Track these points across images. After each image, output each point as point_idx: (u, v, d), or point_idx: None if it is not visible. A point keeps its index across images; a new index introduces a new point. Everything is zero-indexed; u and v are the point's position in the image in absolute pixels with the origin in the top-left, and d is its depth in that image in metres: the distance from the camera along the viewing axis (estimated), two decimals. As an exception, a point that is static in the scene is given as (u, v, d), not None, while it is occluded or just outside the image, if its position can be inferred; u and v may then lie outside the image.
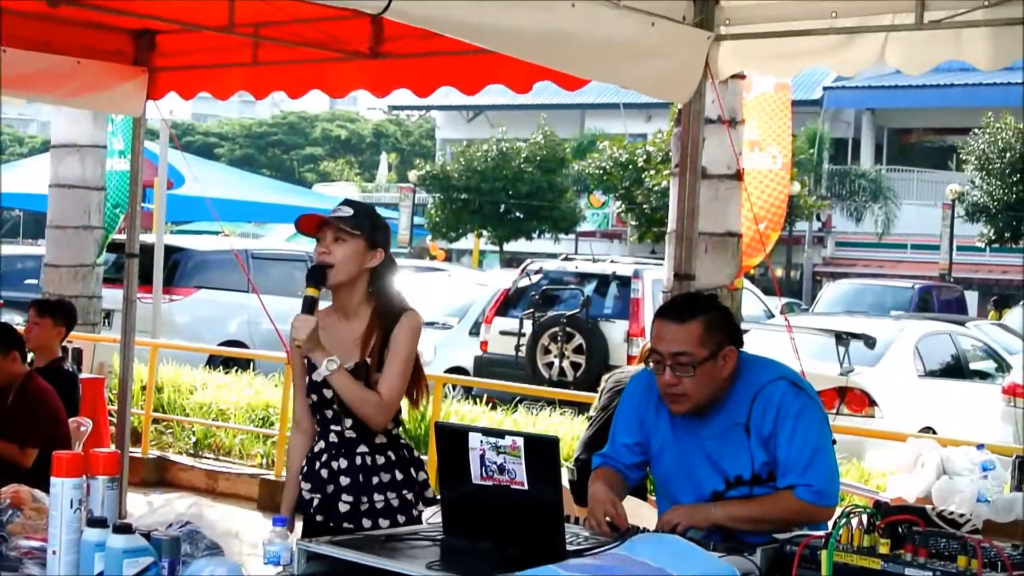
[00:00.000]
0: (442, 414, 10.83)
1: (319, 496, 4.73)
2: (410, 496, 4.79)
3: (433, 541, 3.82)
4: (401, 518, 4.73)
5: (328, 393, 4.71)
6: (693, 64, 6.11)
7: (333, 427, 4.75)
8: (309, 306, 4.64)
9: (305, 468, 4.83)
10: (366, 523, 4.68)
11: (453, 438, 3.82)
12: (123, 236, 10.83)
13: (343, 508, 4.71)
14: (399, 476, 4.78)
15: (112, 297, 12.68)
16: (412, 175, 46.01)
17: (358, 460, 4.74)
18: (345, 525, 4.66)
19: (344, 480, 4.72)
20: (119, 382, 9.05)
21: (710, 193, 9.29)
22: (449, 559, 3.62)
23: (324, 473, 4.74)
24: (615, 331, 16.72)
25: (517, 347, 17.06)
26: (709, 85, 6.29)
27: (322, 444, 4.80)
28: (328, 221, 4.70)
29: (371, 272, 4.77)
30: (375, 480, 4.73)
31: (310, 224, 4.77)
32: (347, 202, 4.84)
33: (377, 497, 4.72)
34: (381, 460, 4.76)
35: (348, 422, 4.73)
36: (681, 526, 4.17)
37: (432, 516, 4.19)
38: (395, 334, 4.73)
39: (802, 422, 4.27)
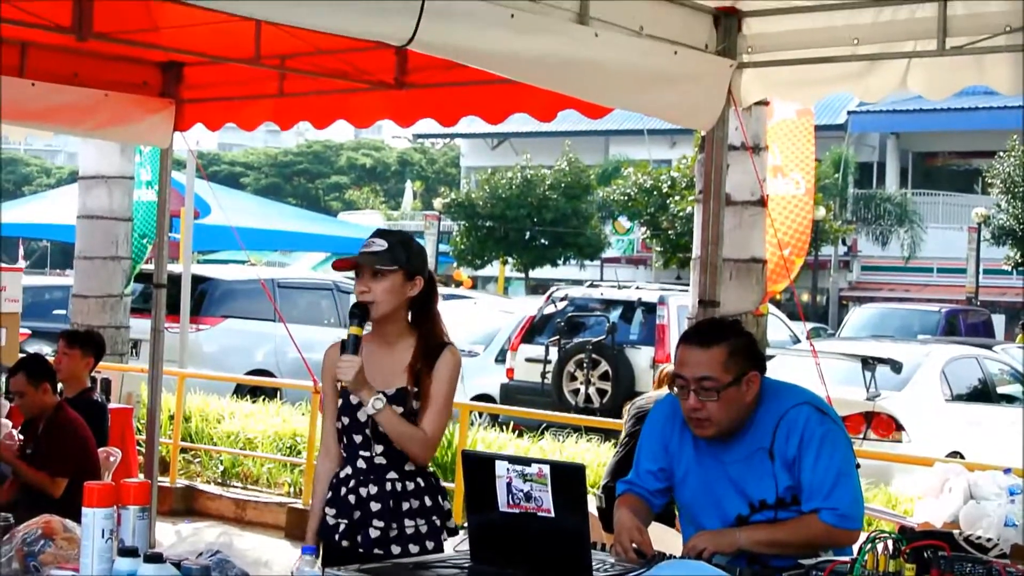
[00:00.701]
0: (468, 442, 10.85)
1: (346, 522, 4.76)
2: (438, 522, 4.82)
3: (461, 569, 3.84)
4: (430, 544, 4.76)
5: (362, 417, 4.74)
6: (716, 91, 6.15)
7: (363, 452, 4.78)
8: (354, 346, 4.66)
9: (330, 494, 4.86)
10: (395, 549, 4.70)
11: (480, 466, 3.85)
12: (151, 266, 10.90)
13: (373, 534, 4.73)
14: (428, 502, 4.82)
15: (140, 327, 12.76)
16: (437, 203, 46.11)
17: (388, 486, 4.76)
18: (375, 551, 4.68)
19: (375, 506, 4.74)
20: (147, 412, 9.10)
21: (734, 220, 9.32)
22: (476, 586, 3.65)
23: (352, 499, 4.77)
24: (641, 357, 16.72)
25: (543, 374, 17.07)
26: (732, 112, 6.32)
27: (349, 470, 4.82)
28: (364, 259, 4.73)
29: (411, 300, 4.81)
30: (405, 506, 4.76)
31: (346, 264, 4.82)
32: (380, 233, 4.83)
33: (408, 523, 4.75)
34: (411, 486, 4.80)
35: (379, 448, 4.76)
36: (707, 552, 4.19)
37: (459, 544, 4.21)
38: (438, 369, 4.78)
39: (826, 446, 4.29)
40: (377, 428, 4.73)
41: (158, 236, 9.12)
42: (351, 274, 4.86)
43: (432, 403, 4.76)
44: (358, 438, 4.79)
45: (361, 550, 4.71)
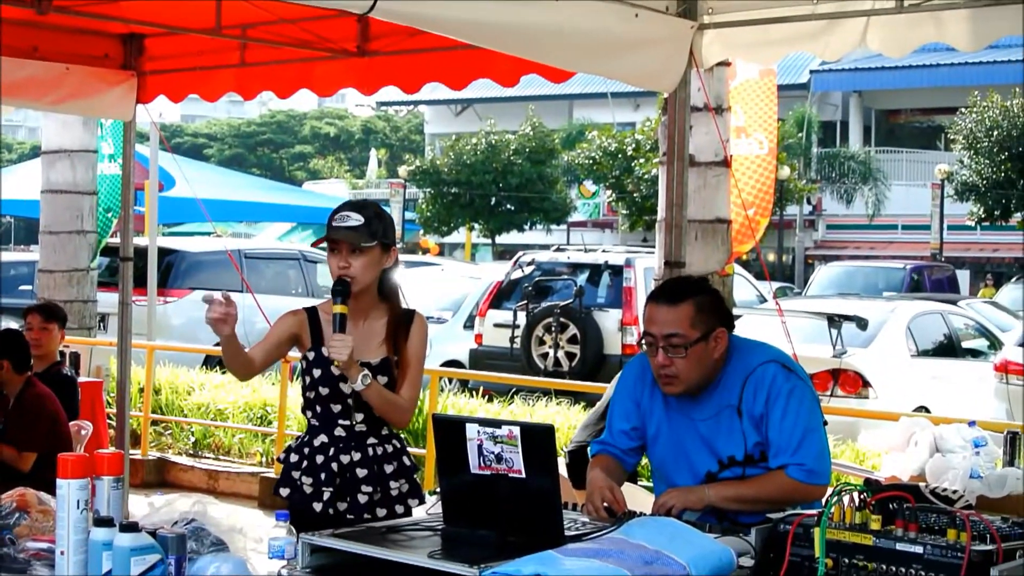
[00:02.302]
0: (439, 407, 10.89)
1: (331, 489, 4.80)
2: (418, 480, 4.95)
3: (434, 531, 3.88)
4: (413, 502, 4.89)
5: (345, 388, 4.77)
6: (677, 53, 6.17)
7: (342, 421, 4.83)
8: (342, 324, 4.68)
9: (304, 462, 4.88)
10: (380, 512, 4.80)
11: (451, 429, 3.88)
12: (116, 240, 10.88)
13: (362, 499, 4.81)
14: (406, 462, 4.94)
15: (107, 301, 12.73)
16: (402, 170, 46.02)
17: (370, 452, 4.85)
18: (365, 516, 4.76)
19: (361, 472, 4.82)
20: (117, 385, 9.10)
21: (698, 181, 9.36)
22: (450, 548, 3.68)
23: (334, 466, 4.82)
24: (609, 320, 16.78)
25: (512, 339, 17.11)
26: (694, 73, 6.35)
27: (324, 438, 4.85)
28: (344, 235, 4.73)
29: (383, 271, 4.84)
30: (388, 469, 4.87)
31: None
32: (352, 206, 4.83)
33: (392, 485, 4.86)
34: (390, 449, 4.90)
35: (359, 416, 4.82)
36: (676, 508, 4.25)
37: (432, 507, 4.26)
38: (412, 336, 4.88)
39: (793, 403, 4.35)
40: (359, 397, 4.77)
41: (123, 209, 9.09)
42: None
43: (409, 370, 4.86)
44: (336, 407, 4.83)
45: (350, 516, 4.77)
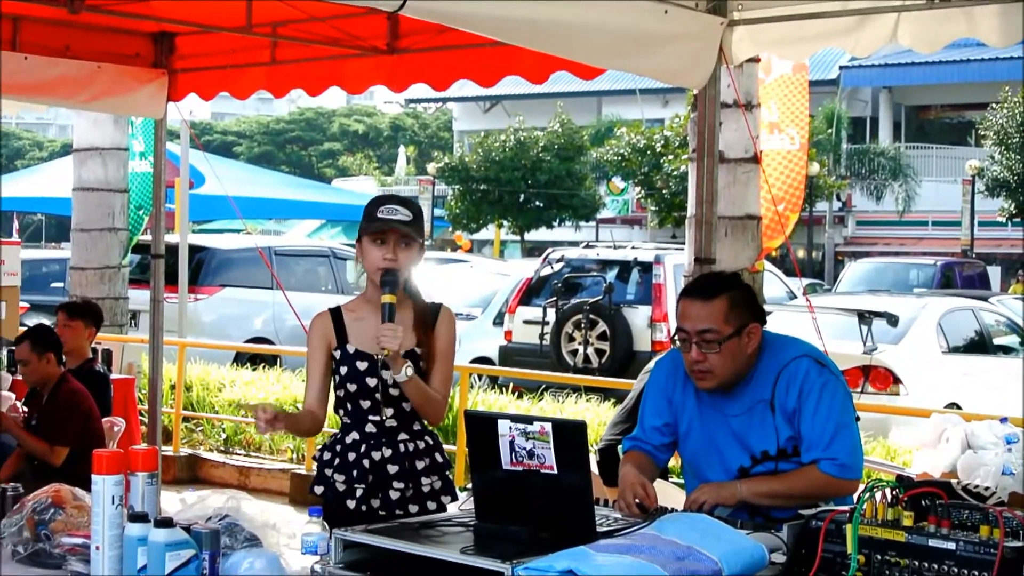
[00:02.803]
0: (469, 404, 10.91)
1: (363, 486, 4.80)
2: (451, 477, 4.94)
3: (466, 527, 3.89)
4: (446, 499, 4.88)
5: (372, 382, 4.79)
6: (707, 50, 6.17)
7: (371, 417, 4.83)
8: (391, 314, 4.70)
9: (336, 460, 4.90)
10: (413, 508, 4.79)
11: (483, 425, 3.89)
12: (148, 237, 10.92)
13: (394, 496, 4.80)
14: (439, 459, 4.93)
15: (138, 298, 12.81)
16: (431, 167, 46.06)
17: (401, 448, 4.83)
18: (397, 512, 4.76)
19: (392, 468, 4.81)
20: (149, 382, 9.15)
21: (728, 177, 9.36)
22: (482, 543, 3.69)
23: (366, 463, 4.82)
24: (638, 316, 16.76)
25: (541, 335, 17.12)
26: (724, 70, 6.34)
27: (356, 435, 4.86)
28: (393, 225, 4.77)
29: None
30: (420, 465, 4.85)
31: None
32: (397, 200, 4.86)
33: (424, 481, 4.84)
34: (422, 445, 4.88)
35: (388, 411, 4.82)
36: (708, 504, 4.25)
37: (464, 503, 4.27)
38: (441, 328, 4.88)
39: (825, 398, 4.35)
40: (388, 392, 4.78)
41: (154, 207, 9.15)
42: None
43: (439, 363, 4.85)
44: (366, 403, 4.83)
45: (382, 512, 4.77)
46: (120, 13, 7.34)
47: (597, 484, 6.19)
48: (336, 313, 4.93)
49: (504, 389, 13.92)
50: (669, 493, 4.96)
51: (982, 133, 39.01)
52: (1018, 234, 42.68)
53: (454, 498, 4.88)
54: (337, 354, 4.84)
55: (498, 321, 18.29)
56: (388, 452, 4.82)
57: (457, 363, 12.56)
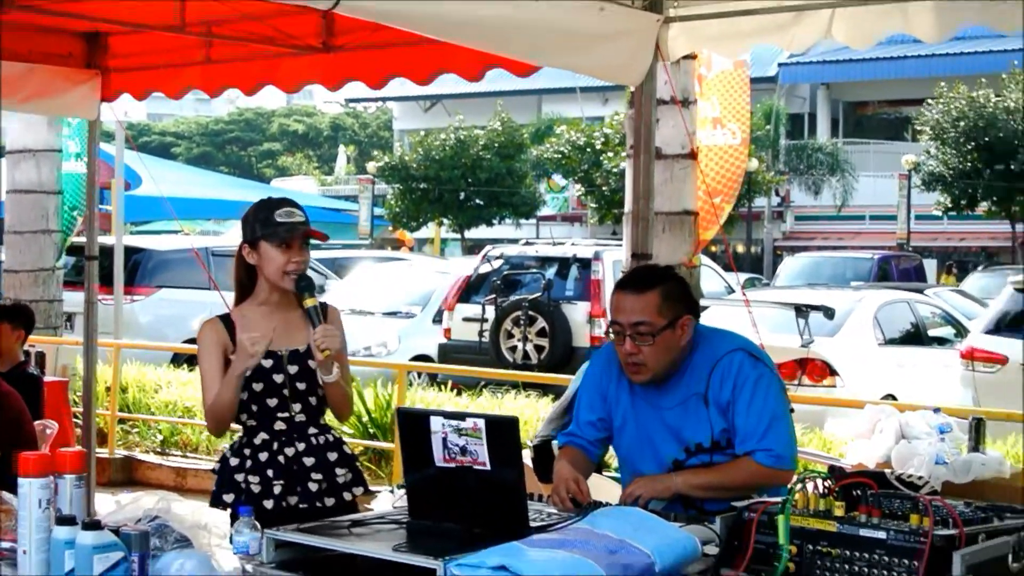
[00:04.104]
0: (408, 402, 10.88)
1: (282, 483, 4.79)
2: (359, 468, 4.99)
3: (399, 524, 3.87)
4: (358, 490, 4.92)
5: (278, 379, 4.79)
6: (643, 47, 6.18)
7: (280, 414, 4.83)
8: (319, 316, 4.72)
9: (248, 463, 4.85)
10: (329, 501, 4.81)
11: (415, 422, 3.88)
12: (82, 239, 10.81)
13: (313, 487, 4.80)
14: (346, 451, 4.98)
15: (73, 300, 12.68)
16: (371, 166, 45.94)
17: (313, 441, 4.87)
18: (316, 504, 4.77)
19: (308, 461, 4.82)
20: (83, 383, 9.06)
21: (665, 173, 9.38)
22: (415, 540, 3.68)
23: (281, 460, 4.81)
24: (577, 313, 16.80)
25: (480, 332, 17.12)
26: (660, 67, 6.35)
27: (264, 435, 4.84)
28: (297, 228, 4.78)
29: None
30: (332, 457, 4.89)
31: (316, 234, 4.88)
32: (285, 202, 4.88)
33: (338, 472, 4.88)
34: (331, 439, 4.94)
35: (297, 407, 4.83)
36: (643, 498, 4.26)
37: (397, 501, 4.25)
38: (333, 324, 4.84)
39: (760, 390, 4.37)
40: (295, 387, 4.79)
41: (88, 208, 9.06)
42: None
43: (342, 361, 4.86)
44: (273, 401, 4.82)
45: (303, 506, 4.76)
46: (52, 12, 7.24)
47: (532, 480, 6.19)
48: (226, 319, 4.91)
49: (443, 386, 13.89)
50: (603, 487, 4.97)
51: (918, 128, 39.34)
52: (954, 227, 43.18)
53: (365, 489, 4.94)
54: (234, 358, 4.80)
55: (437, 319, 18.26)
56: (302, 446, 4.82)
57: (397, 360, 12.78)
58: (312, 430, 4.87)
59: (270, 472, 4.80)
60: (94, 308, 8.81)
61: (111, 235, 14.59)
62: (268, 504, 4.76)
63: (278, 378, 4.79)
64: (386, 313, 17.79)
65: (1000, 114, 36.13)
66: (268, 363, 4.77)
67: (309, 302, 4.71)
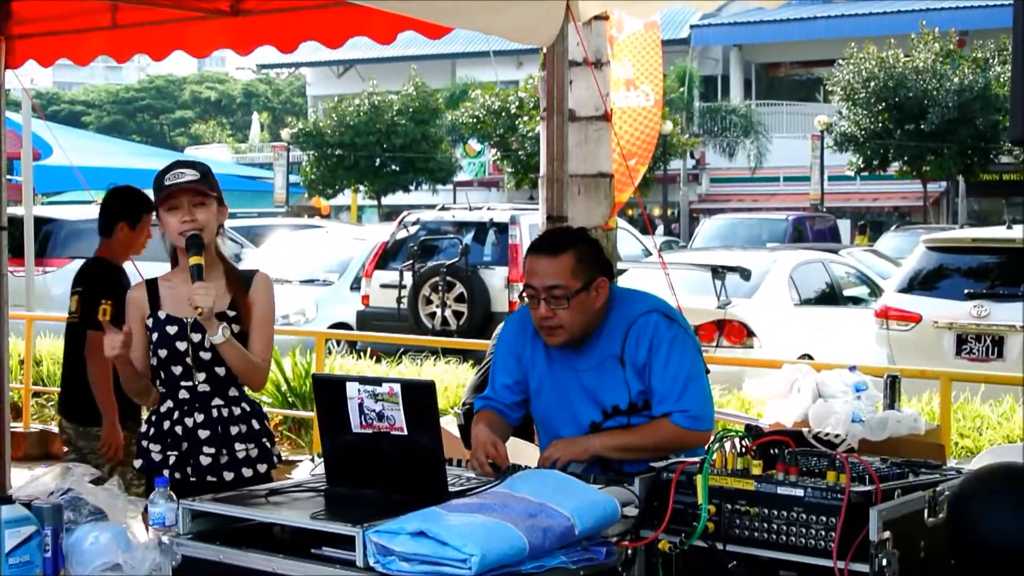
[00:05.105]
0: (326, 370, 10.82)
1: (176, 453, 4.73)
2: (268, 445, 4.85)
3: (317, 492, 3.84)
4: (262, 467, 4.80)
5: (182, 346, 4.71)
6: (554, 7, 6.16)
7: (184, 383, 4.75)
8: (199, 273, 4.61)
9: (152, 431, 4.81)
10: (228, 476, 4.72)
11: (331, 388, 3.84)
12: (-10, 210, 10.62)
13: (205, 461, 4.72)
14: (256, 425, 4.84)
15: (-17, 272, 12.47)
16: (285, 133, 45.67)
17: (214, 413, 4.76)
18: (208, 479, 4.68)
19: (203, 433, 4.73)
20: (-6, 357, 8.91)
21: (579, 135, 9.31)
22: (333, 508, 3.65)
23: (179, 430, 4.75)
24: (495, 278, 16.79)
25: (399, 299, 17.05)
26: (572, 28, 6.33)
27: (170, 403, 4.78)
28: (182, 188, 4.69)
29: (216, 229, 4.81)
30: (234, 431, 4.77)
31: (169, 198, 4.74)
32: (180, 164, 4.81)
33: (238, 447, 4.76)
34: (237, 411, 4.80)
35: (201, 376, 4.74)
36: (561, 461, 4.26)
37: (315, 469, 4.22)
38: (257, 292, 4.80)
39: (675, 351, 4.38)
40: (199, 356, 4.71)
41: (-5, 178, 8.88)
42: None
43: (258, 328, 4.77)
44: (177, 369, 4.75)
45: (193, 479, 4.69)
46: (-49, -23, 7.10)
47: (457, 446, 6.18)
48: (152, 284, 4.87)
49: (362, 354, 13.84)
50: (523, 451, 4.96)
51: (830, 89, 39.69)
52: (866, 188, 43.66)
53: (271, 466, 4.83)
54: (150, 322, 4.75)
55: (355, 286, 18.18)
56: (200, 418, 4.74)
57: (315, 328, 12.65)
58: (216, 401, 4.76)
59: (168, 440, 4.75)
60: (4, 280, 8.65)
61: (21, 206, 14.37)
62: (166, 474, 4.69)
63: (181, 345, 4.71)
64: (303, 281, 17.67)
65: (910, 74, 36.54)
66: (173, 329, 4.70)
67: (192, 260, 4.63)
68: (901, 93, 36.38)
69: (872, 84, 36.81)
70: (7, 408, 8.88)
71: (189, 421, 4.74)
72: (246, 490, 4.00)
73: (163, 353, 4.74)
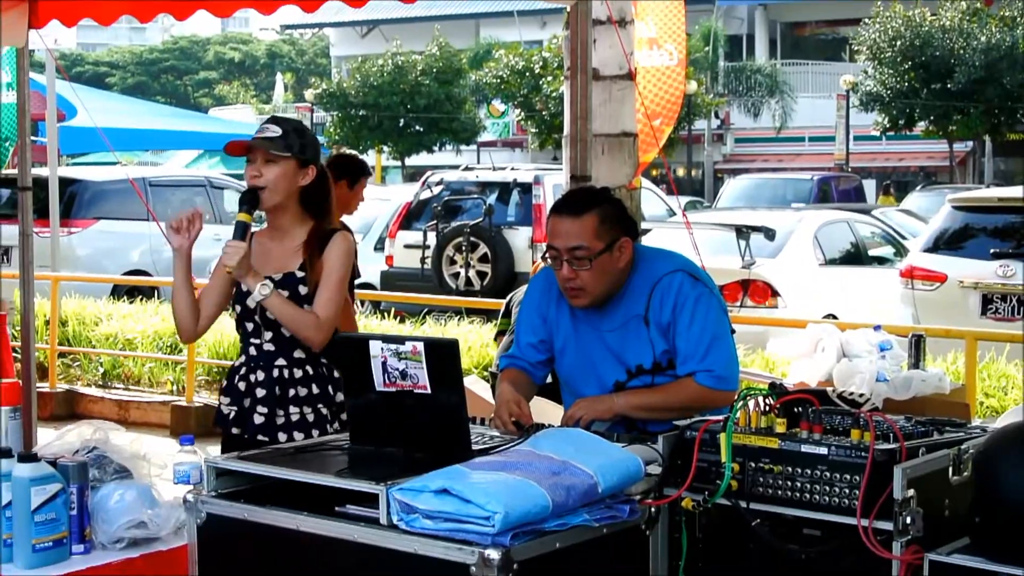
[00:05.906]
0: (351, 330, 10.83)
1: (236, 409, 4.76)
2: (325, 412, 4.76)
3: (341, 450, 3.85)
4: (316, 432, 4.70)
5: (251, 304, 4.68)
6: (578, -35, 6.12)
7: (253, 340, 4.76)
8: (241, 232, 4.59)
9: (225, 383, 4.86)
10: (281, 437, 4.68)
11: (355, 348, 3.84)
12: (15, 171, 10.65)
13: (258, 420, 4.72)
14: (316, 390, 4.75)
15: (8, 233, 12.50)
16: (309, 94, 45.59)
17: (275, 373, 4.73)
18: (260, 438, 4.67)
19: (260, 392, 4.73)
20: (21, 317, 8.94)
21: (603, 95, 9.29)
22: (357, 466, 3.66)
23: (242, 386, 4.77)
24: (519, 238, 16.78)
25: (422, 259, 17.06)
26: (596, -15, 6.29)
27: (243, 358, 4.82)
28: (258, 143, 4.66)
29: (303, 190, 4.74)
30: (291, 393, 4.72)
31: (238, 148, 4.72)
32: (274, 120, 4.76)
33: (292, 410, 4.72)
34: (299, 374, 4.75)
35: (268, 335, 4.73)
36: (584, 419, 4.25)
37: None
38: (329, 252, 4.70)
39: (700, 310, 4.35)
40: (266, 314, 4.67)
41: (19, 137, 8.89)
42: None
43: (323, 285, 4.67)
44: (249, 326, 4.76)
45: (246, 436, 4.70)
46: (-26, -63, 7.08)
47: (481, 404, 6.19)
48: (251, 238, 4.78)
49: (386, 314, 13.86)
50: (547, 410, 4.96)
51: (855, 48, 39.43)
52: (892, 148, 43.43)
53: (323, 433, 4.70)
54: (230, 274, 4.74)
55: (379, 246, 18.19)
56: (261, 376, 4.74)
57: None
58: (280, 361, 4.72)
59: (232, 397, 4.79)
60: (30, 240, 8.66)
61: (46, 167, 14.40)
62: (234, 431, 4.74)
63: (251, 303, 4.68)
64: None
65: (936, 33, 36.27)
66: (252, 302, 4.67)
67: (239, 217, 4.62)
68: (928, 52, 36.12)
69: (898, 43, 36.55)
70: (34, 368, 8.92)
71: (252, 377, 4.76)
72: (271, 448, 4.02)
73: (239, 308, 4.77)
